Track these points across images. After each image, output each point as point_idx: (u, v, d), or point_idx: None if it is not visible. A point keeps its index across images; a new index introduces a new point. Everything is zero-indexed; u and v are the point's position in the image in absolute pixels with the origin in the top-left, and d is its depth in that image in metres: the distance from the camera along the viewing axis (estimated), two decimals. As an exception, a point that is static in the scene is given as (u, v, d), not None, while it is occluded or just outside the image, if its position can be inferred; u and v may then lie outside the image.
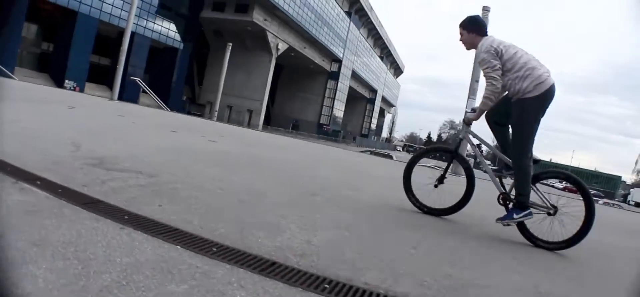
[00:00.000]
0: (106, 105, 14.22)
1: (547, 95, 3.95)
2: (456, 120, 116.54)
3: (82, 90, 42.57)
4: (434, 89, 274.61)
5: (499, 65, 4.01)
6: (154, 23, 53.08)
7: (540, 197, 4.07)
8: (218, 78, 48.81)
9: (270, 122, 70.54)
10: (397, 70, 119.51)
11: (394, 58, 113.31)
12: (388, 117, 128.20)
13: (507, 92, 4.19)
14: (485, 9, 13.52)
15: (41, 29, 49.41)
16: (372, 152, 32.74)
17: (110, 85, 51.43)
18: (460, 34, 4.37)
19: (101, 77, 51.22)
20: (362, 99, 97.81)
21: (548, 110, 4.03)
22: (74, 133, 6.21)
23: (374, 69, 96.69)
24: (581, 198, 3.97)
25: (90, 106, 12.95)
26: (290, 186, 5.18)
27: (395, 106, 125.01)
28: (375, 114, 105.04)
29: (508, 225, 4.09)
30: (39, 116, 8.07)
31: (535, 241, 4.04)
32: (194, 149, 7.22)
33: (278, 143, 13.00)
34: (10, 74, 35.49)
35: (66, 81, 44.92)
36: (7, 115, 6.64)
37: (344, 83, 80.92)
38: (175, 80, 55.86)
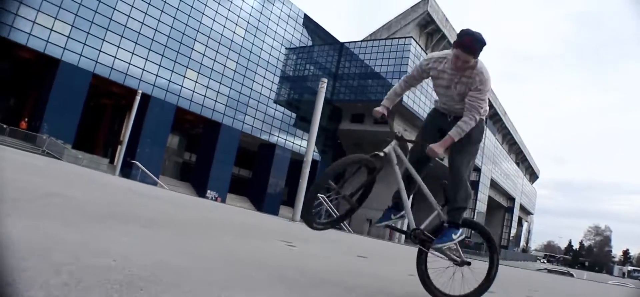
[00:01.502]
0: (306, 231, 10.07)
1: None
2: (601, 225, 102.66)
3: (223, 201, 40.83)
4: (565, 192, 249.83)
5: None
6: (294, 136, 51.70)
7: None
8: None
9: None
10: (533, 175, 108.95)
11: (529, 163, 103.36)
12: (524, 226, 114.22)
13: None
14: None
15: (183, 139, 49.81)
16: (549, 271, 29.35)
17: (250, 196, 50.66)
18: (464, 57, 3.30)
19: (240, 188, 50.01)
20: (500, 208, 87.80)
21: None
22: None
23: (511, 176, 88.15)
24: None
25: (290, 234, 8.53)
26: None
27: (533, 214, 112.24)
28: (514, 224, 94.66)
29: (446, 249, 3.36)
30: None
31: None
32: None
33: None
34: (156, 178, 34.42)
35: (208, 191, 43.59)
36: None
37: (484, 193, 73.22)
38: (314, 193, 53.05)
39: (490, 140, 74.07)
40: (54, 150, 32.55)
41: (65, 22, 37.07)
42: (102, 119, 46.56)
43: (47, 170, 10.73)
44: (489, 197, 76.75)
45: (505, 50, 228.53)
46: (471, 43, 3.28)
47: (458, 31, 3.34)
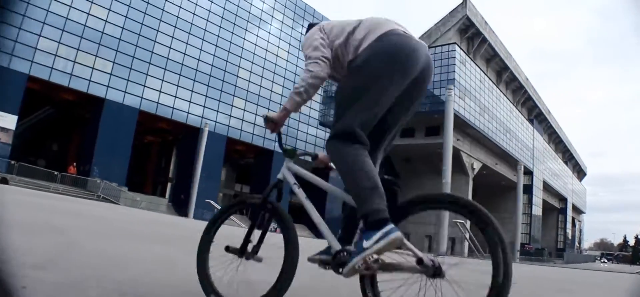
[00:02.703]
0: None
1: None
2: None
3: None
4: (607, 187, 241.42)
5: (324, 43, 2.37)
6: (346, 157, 50.03)
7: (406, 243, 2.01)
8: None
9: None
10: (581, 172, 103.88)
11: (576, 160, 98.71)
12: (577, 226, 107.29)
13: None
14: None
15: (232, 171, 47.96)
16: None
17: (307, 224, 48.49)
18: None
19: (297, 216, 47.98)
20: (552, 210, 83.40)
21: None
22: None
23: (561, 176, 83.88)
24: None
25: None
26: None
27: (584, 213, 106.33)
28: (569, 225, 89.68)
29: (359, 268, 2.00)
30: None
31: None
32: None
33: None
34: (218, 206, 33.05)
35: (268, 222, 41.56)
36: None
37: (538, 196, 69.32)
38: (368, 212, 50.80)
39: (538, 140, 70.60)
40: (110, 194, 31.00)
41: (106, 59, 35.79)
42: (148, 157, 45.06)
43: (137, 223, 8.99)
44: (543, 200, 72.76)
45: (535, 50, 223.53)
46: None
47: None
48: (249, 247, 2.49)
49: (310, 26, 2.66)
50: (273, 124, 2.49)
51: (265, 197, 2.51)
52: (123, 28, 36.98)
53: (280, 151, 2.63)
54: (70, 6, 34.58)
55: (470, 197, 52.69)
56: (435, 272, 1.92)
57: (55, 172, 31.70)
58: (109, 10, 36.53)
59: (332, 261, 2.16)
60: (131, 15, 37.51)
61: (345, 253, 2.11)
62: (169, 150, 43.51)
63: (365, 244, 1.97)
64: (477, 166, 54.29)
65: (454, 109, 48.35)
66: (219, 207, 24.64)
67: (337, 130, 2.19)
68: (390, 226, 1.98)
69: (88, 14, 35.46)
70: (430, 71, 2.29)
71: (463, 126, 50.97)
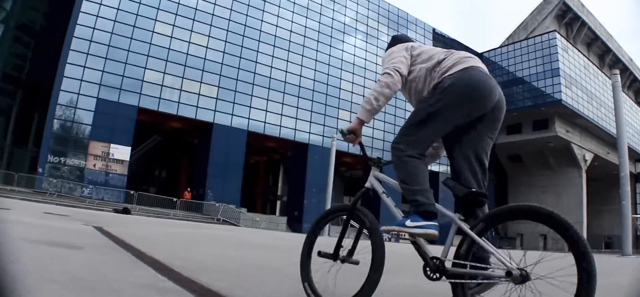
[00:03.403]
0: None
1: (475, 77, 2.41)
2: None
3: (397, 241, 37.80)
4: None
5: (404, 62, 2.59)
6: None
7: (493, 253, 2.04)
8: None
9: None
10: None
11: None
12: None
13: None
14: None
15: (341, 183, 47.72)
16: None
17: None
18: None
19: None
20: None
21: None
22: None
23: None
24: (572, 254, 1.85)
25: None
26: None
27: None
28: None
29: (390, 233, 2.35)
30: None
31: None
32: None
33: None
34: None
35: (380, 235, 40.91)
36: None
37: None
38: (482, 217, 48.93)
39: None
40: (229, 216, 31.17)
41: (211, 85, 36.71)
42: (256, 177, 45.72)
43: (295, 250, 7.84)
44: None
45: (636, 27, 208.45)
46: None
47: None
48: (342, 251, 2.62)
49: (394, 38, 2.87)
50: (353, 135, 2.61)
51: (353, 204, 2.63)
52: (224, 52, 37.75)
53: (388, 162, 2.66)
54: (171, 37, 35.77)
55: (584, 190, 49.45)
56: (523, 279, 1.91)
57: (174, 199, 32.20)
58: (209, 36, 37.42)
59: (425, 269, 2.26)
60: (230, 39, 38.23)
61: (437, 260, 2.21)
62: (275, 168, 43.93)
63: (408, 223, 2.25)
64: (588, 157, 50.81)
65: (563, 100, 45.99)
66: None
67: (405, 140, 2.43)
68: (435, 222, 2.25)
69: (189, 42, 36.51)
70: (502, 110, 2.47)
71: (571, 117, 48.13)
